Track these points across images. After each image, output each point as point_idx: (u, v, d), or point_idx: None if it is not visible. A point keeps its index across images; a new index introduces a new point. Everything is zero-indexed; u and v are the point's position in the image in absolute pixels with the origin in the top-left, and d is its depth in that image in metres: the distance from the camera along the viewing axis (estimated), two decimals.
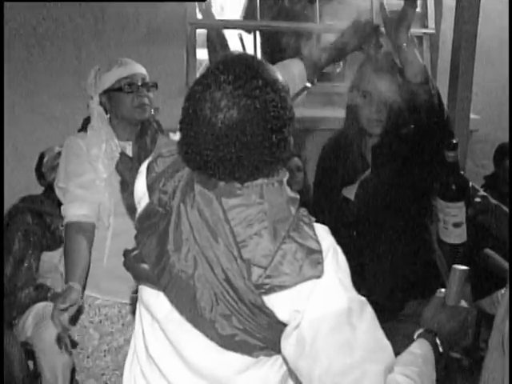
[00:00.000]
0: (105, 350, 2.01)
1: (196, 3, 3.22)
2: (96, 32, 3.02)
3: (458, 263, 1.28)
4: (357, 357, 0.95)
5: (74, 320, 1.82)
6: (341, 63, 3.24)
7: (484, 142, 3.55)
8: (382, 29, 1.76)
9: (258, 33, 3.53)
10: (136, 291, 1.19)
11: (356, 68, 1.96)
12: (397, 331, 1.68)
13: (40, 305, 2.59)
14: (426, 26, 3.59)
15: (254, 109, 0.97)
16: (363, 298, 1.01)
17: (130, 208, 1.58)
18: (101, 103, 1.97)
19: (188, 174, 1.07)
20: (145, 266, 1.08)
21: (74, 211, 1.90)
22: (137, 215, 1.15)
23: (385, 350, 0.98)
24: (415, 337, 1.15)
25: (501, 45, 3.41)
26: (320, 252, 0.97)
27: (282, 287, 0.96)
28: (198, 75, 1.06)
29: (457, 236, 1.76)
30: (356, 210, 1.94)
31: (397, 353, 1.05)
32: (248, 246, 0.98)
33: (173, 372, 1.10)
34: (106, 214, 1.93)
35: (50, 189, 2.40)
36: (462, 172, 1.79)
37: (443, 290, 1.22)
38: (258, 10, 3.40)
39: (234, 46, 3.37)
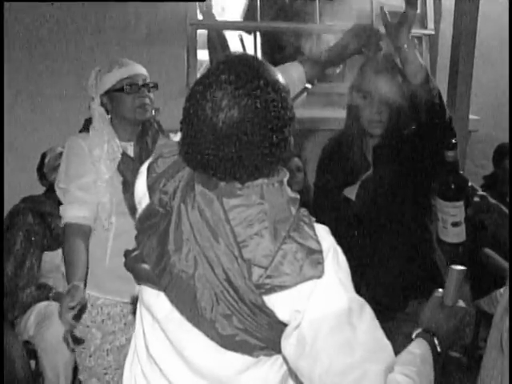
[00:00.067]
0: (107, 350, 2.01)
1: (197, 4, 3.23)
2: (97, 33, 3.02)
3: (457, 263, 1.28)
4: (357, 357, 0.95)
5: (77, 318, 1.83)
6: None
7: (483, 143, 3.55)
8: (382, 29, 1.77)
9: (258, 33, 3.53)
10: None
11: (356, 69, 1.97)
12: (397, 331, 1.69)
13: (42, 304, 2.60)
14: (425, 27, 3.60)
15: (254, 108, 0.97)
16: (362, 299, 1.01)
17: (132, 208, 1.59)
18: (102, 104, 1.98)
19: (188, 174, 1.07)
20: (145, 266, 1.09)
21: (73, 213, 1.91)
22: (137, 215, 1.15)
23: (385, 349, 0.99)
24: (413, 336, 1.16)
25: (500, 45, 3.41)
26: (320, 252, 0.97)
27: (282, 287, 0.96)
28: (198, 76, 1.07)
29: (456, 235, 1.76)
30: (357, 210, 1.94)
31: (397, 352, 1.05)
32: (248, 246, 0.98)
33: (173, 372, 1.10)
34: (105, 215, 1.93)
35: (51, 189, 2.40)
36: (461, 172, 1.80)
37: (441, 290, 1.23)
38: (259, 11, 3.41)
39: (235, 46, 3.38)
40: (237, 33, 3.51)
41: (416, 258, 1.95)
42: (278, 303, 0.98)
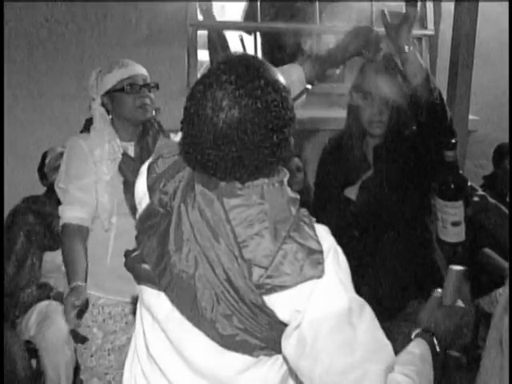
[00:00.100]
0: (108, 349, 2.02)
1: (197, 5, 3.23)
2: (98, 33, 3.03)
3: (457, 262, 1.29)
4: (357, 356, 0.95)
5: (80, 316, 1.85)
6: None
7: (483, 142, 3.55)
8: (383, 30, 1.78)
9: (258, 34, 3.53)
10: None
11: (356, 69, 1.98)
12: (397, 330, 1.70)
13: (43, 303, 2.61)
14: (425, 28, 3.60)
15: (255, 108, 0.97)
16: (362, 299, 1.01)
17: (133, 208, 1.60)
18: (103, 104, 1.98)
19: (189, 174, 1.07)
20: (146, 266, 1.09)
21: (72, 214, 1.91)
22: (137, 216, 1.15)
23: (385, 349, 0.99)
24: (412, 336, 1.16)
25: (499, 46, 3.42)
26: (321, 252, 0.97)
27: (282, 287, 0.96)
28: (199, 76, 1.07)
29: (455, 235, 1.76)
30: (358, 210, 1.95)
31: (397, 352, 1.06)
32: (249, 246, 0.98)
33: (173, 372, 1.10)
34: (105, 215, 1.94)
35: (52, 189, 2.41)
36: (460, 171, 1.81)
37: (440, 289, 1.23)
38: (259, 11, 3.41)
39: (235, 47, 3.38)
40: (237, 33, 3.50)
41: (416, 257, 1.96)
42: (279, 303, 0.98)
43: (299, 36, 3.21)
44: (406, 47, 1.69)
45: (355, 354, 0.96)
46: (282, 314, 0.99)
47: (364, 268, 1.91)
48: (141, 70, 2.01)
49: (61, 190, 1.98)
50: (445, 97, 1.86)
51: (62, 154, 2.22)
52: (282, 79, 1.03)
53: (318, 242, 0.98)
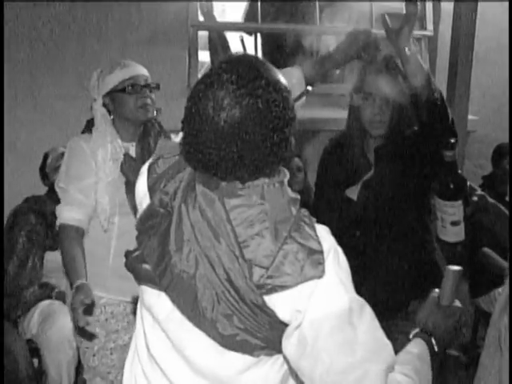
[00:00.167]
0: (111, 348, 2.02)
1: (198, 6, 3.23)
2: (99, 34, 3.02)
3: (456, 262, 1.30)
4: (358, 356, 0.96)
5: (89, 313, 1.87)
6: None
7: (482, 143, 3.56)
8: (382, 32, 1.79)
9: (259, 35, 3.54)
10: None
11: (356, 70, 1.99)
12: (397, 330, 1.70)
13: (45, 303, 2.62)
14: (424, 28, 3.61)
15: (256, 108, 0.97)
16: (362, 299, 1.01)
17: (135, 208, 1.61)
18: (104, 105, 1.99)
19: (189, 174, 1.07)
20: (146, 266, 1.09)
21: (71, 214, 1.92)
22: (138, 216, 1.15)
23: (385, 349, 0.99)
24: (411, 336, 1.17)
25: (498, 46, 3.42)
26: (321, 252, 0.97)
27: (283, 287, 0.96)
28: (199, 77, 1.07)
29: (455, 234, 1.77)
30: (359, 210, 1.95)
31: (397, 351, 1.06)
32: (250, 246, 0.98)
33: (174, 372, 1.10)
34: (104, 216, 1.94)
35: (53, 189, 2.41)
36: (459, 171, 1.82)
37: (437, 290, 1.23)
38: (259, 12, 3.41)
39: (236, 47, 3.38)
40: (238, 34, 3.50)
41: (417, 257, 1.96)
42: (279, 303, 0.98)
43: (299, 37, 3.22)
44: (407, 49, 1.70)
45: (355, 353, 0.96)
46: (282, 314, 0.99)
47: (365, 268, 1.91)
48: (142, 71, 2.01)
49: (61, 189, 1.98)
50: (444, 97, 1.86)
51: (63, 154, 2.22)
52: (282, 79, 1.03)
53: (319, 243, 0.98)
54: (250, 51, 3.37)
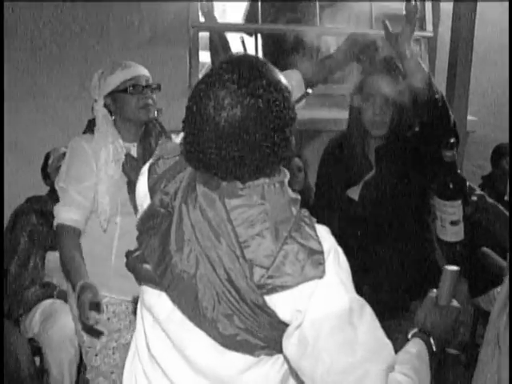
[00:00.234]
0: (113, 347, 2.02)
1: (198, 6, 3.24)
2: (100, 35, 3.03)
3: (455, 261, 1.31)
4: (358, 356, 0.96)
5: (98, 310, 1.88)
6: None
7: (481, 143, 3.57)
8: (382, 32, 1.80)
9: (259, 35, 3.54)
10: None
11: (356, 70, 2.00)
12: (397, 329, 1.71)
13: (47, 302, 2.63)
14: (424, 29, 3.61)
15: (257, 108, 0.97)
16: (362, 299, 1.01)
17: (137, 208, 1.62)
18: (105, 105, 1.99)
19: (190, 175, 1.07)
20: (147, 266, 1.09)
21: (69, 215, 1.93)
22: (139, 216, 1.15)
23: (385, 349, 0.99)
24: (409, 336, 1.17)
25: (498, 46, 3.42)
26: (321, 253, 0.97)
27: (283, 287, 0.97)
28: (200, 77, 1.08)
29: (454, 234, 1.77)
30: (360, 210, 1.96)
31: (397, 351, 1.07)
32: (250, 246, 0.98)
33: (175, 371, 1.10)
34: (104, 217, 1.95)
35: (54, 189, 2.42)
36: (459, 171, 1.83)
37: (435, 290, 1.24)
38: (260, 13, 3.42)
39: (236, 48, 3.38)
40: (238, 35, 3.51)
41: (418, 257, 1.97)
42: (280, 303, 0.98)
43: (300, 37, 3.23)
44: (408, 52, 1.71)
45: (356, 353, 0.96)
46: (282, 314, 0.99)
47: (366, 267, 1.92)
48: (143, 71, 2.02)
49: (60, 188, 1.99)
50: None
51: (64, 154, 2.22)
52: (283, 80, 1.03)
53: (319, 243, 0.98)
54: (251, 52, 3.38)
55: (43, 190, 2.82)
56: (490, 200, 1.84)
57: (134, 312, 1.95)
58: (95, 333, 1.98)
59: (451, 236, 1.78)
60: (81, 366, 2.56)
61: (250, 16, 3.52)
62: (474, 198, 1.79)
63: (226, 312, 1.01)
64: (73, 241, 1.92)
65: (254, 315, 1.00)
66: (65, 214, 1.93)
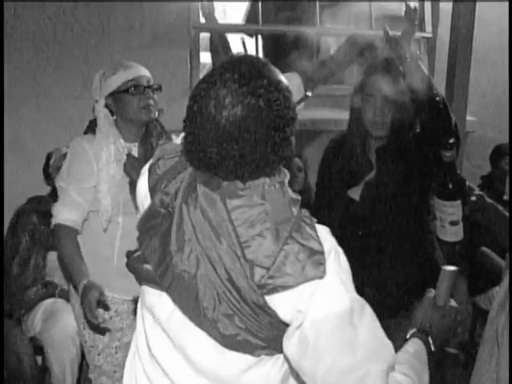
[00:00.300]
0: (116, 347, 2.03)
1: (199, 7, 3.25)
2: (102, 35, 3.03)
3: (454, 261, 1.31)
4: (359, 356, 0.96)
5: (106, 308, 1.90)
6: None
7: (480, 143, 3.57)
8: (381, 33, 1.81)
9: (259, 36, 3.55)
10: None
11: (356, 71, 2.00)
12: (399, 328, 1.72)
13: (48, 301, 2.64)
14: (423, 30, 3.61)
15: (257, 107, 0.97)
16: (362, 299, 1.01)
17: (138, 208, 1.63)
18: (106, 106, 2.00)
19: (190, 175, 1.07)
20: (147, 266, 1.09)
21: (68, 216, 1.94)
22: (139, 217, 1.16)
23: (386, 349, 1.00)
24: (408, 336, 1.17)
25: (498, 47, 3.43)
26: (322, 253, 0.97)
27: (284, 287, 0.97)
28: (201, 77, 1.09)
29: (454, 234, 1.77)
30: (361, 210, 1.97)
31: (397, 349, 1.07)
32: (251, 246, 0.98)
33: (176, 371, 1.10)
34: (105, 217, 1.95)
35: (56, 189, 2.44)
36: (458, 172, 1.83)
37: (433, 290, 1.24)
38: (260, 14, 3.42)
39: (237, 49, 3.39)
40: (239, 35, 3.52)
41: (418, 257, 1.98)
42: (280, 303, 0.98)
43: (300, 38, 3.24)
44: (408, 55, 1.71)
45: (357, 353, 0.96)
46: (283, 314, 0.99)
47: (367, 267, 1.93)
48: (144, 72, 2.02)
49: (60, 188, 2.00)
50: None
51: (66, 154, 2.23)
52: (284, 79, 1.04)
53: (320, 243, 0.98)
54: (251, 53, 3.38)
55: (44, 190, 2.83)
56: (490, 200, 1.84)
57: (135, 312, 1.97)
58: (101, 330, 1.98)
59: (451, 236, 1.78)
60: (82, 365, 2.57)
61: (251, 17, 3.53)
62: (474, 198, 1.80)
63: (226, 312, 1.01)
64: (72, 240, 1.93)
65: (255, 315, 1.00)
66: (64, 215, 1.94)
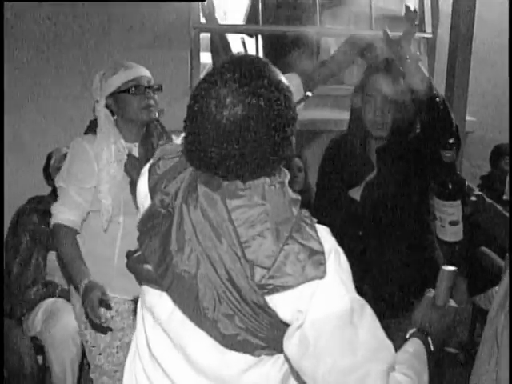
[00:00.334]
0: (117, 346, 2.02)
1: (200, 8, 3.26)
2: (102, 36, 3.04)
3: (454, 261, 1.31)
4: (359, 356, 0.96)
5: (108, 307, 1.90)
6: None
7: (480, 144, 3.58)
8: (381, 33, 1.81)
9: (259, 37, 3.55)
10: None
11: (356, 71, 2.01)
12: (399, 327, 1.72)
13: (49, 301, 2.65)
14: (423, 30, 3.61)
15: (258, 107, 0.97)
16: (363, 299, 1.01)
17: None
18: (107, 106, 2.00)
19: (190, 175, 1.07)
20: (148, 266, 1.09)
21: (67, 216, 1.94)
22: (139, 217, 1.15)
23: (386, 349, 1.00)
24: (408, 336, 1.17)
25: (498, 47, 3.43)
26: (322, 253, 0.97)
27: (284, 287, 0.97)
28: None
29: (453, 234, 1.77)
30: (362, 211, 1.97)
31: (397, 349, 1.07)
32: (251, 246, 0.98)
33: (176, 371, 1.10)
34: (106, 217, 1.95)
35: (56, 189, 2.44)
36: (458, 172, 1.84)
37: (433, 290, 1.25)
38: (260, 14, 3.43)
39: (237, 49, 3.40)
40: (239, 36, 3.53)
41: (419, 257, 1.97)
42: (280, 303, 0.98)
43: (300, 38, 3.24)
44: (408, 57, 1.72)
45: (357, 353, 0.96)
46: (283, 314, 0.99)
47: (367, 267, 1.93)
48: (145, 72, 2.02)
49: (60, 188, 1.99)
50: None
51: (66, 155, 2.24)
52: (284, 79, 1.04)
53: (320, 243, 0.98)
54: (252, 53, 3.39)
55: (44, 190, 2.83)
56: (489, 200, 1.85)
57: (135, 311, 1.97)
58: (103, 329, 1.99)
59: (450, 236, 1.78)
60: (83, 365, 2.58)
61: (251, 17, 3.53)
62: (473, 199, 1.80)
63: (226, 312, 1.01)
64: (71, 240, 1.93)
65: (255, 315, 1.00)
66: (63, 215, 1.94)
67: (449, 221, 1.76)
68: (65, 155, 2.47)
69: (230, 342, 1.02)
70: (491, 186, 3.23)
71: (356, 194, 1.99)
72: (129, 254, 1.15)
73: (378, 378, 0.96)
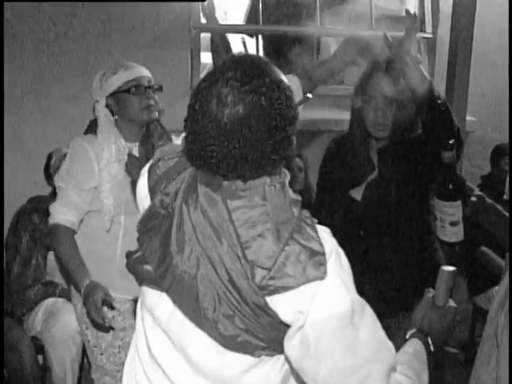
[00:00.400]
0: (119, 346, 2.02)
1: (200, 8, 3.26)
2: (103, 36, 3.04)
3: (454, 261, 1.32)
4: (360, 357, 0.96)
5: (112, 308, 1.90)
6: None
7: (480, 144, 3.59)
8: (381, 33, 1.81)
9: (260, 37, 3.55)
10: None
11: (356, 71, 2.01)
12: (400, 328, 1.73)
13: (49, 301, 2.65)
14: (423, 30, 3.61)
15: (259, 106, 0.97)
16: (363, 300, 1.01)
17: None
18: (107, 106, 1.99)
19: (190, 175, 1.07)
20: (147, 267, 1.08)
21: (66, 216, 1.94)
22: (139, 217, 1.15)
23: (387, 349, 0.99)
24: (407, 336, 1.18)
25: (496, 48, 3.44)
26: (323, 254, 0.97)
27: (285, 288, 0.96)
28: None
29: (454, 234, 1.77)
30: (363, 210, 1.97)
31: (397, 349, 1.07)
32: (252, 247, 0.98)
33: (176, 372, 1.10)
34: (108, 217, 1.95)
35: None
36: (458, 172, 1.84)
37: (432, 290, 1.24)
38: (261, 14, 3.43)
39: (237, 49, 3.40)
40: (239, 36, 3.53)
41: (420, 257, 1.98)
42: (281, 304, 0.98)
43: (300, 38, 3.25)
44: (409, 59, 1.72)
45: (358, 354, 0.96)
46: (284, 315, 0.99)
47: (368, 267, 1.93)
48: (145, 72, 2.02)
49: (60, 188, 1.99)
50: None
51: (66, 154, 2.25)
52: (285, 79, 1.04)
53: (321, 244, 0.98)
54: (252, 53, 3.38)
55: (44, 189, 2.84)
56: (489, 200, 1.85)
57: (135, 312, 1.97)
58: (105, 328, 1.99)
59: (451, 236, 1.78)
60: (83, 364, 2.58)
61: (251, 17, 3.53)
62: (474, 199, 1.80)
63: (226, 313, 1.01)
64: (70, 240, 1.93)
65: (255, 316, 1.00)
66: (62, 215, 1.94)
67: (449, 221, 1.76)
68: (65, 155, 2.47)
69: (230, 343, 1.02)
70: (491, 186, 3.23)
71: (357, 194, 1.99)
72: (129, 255, 1.14)
73: (379, 378, 0.96)
